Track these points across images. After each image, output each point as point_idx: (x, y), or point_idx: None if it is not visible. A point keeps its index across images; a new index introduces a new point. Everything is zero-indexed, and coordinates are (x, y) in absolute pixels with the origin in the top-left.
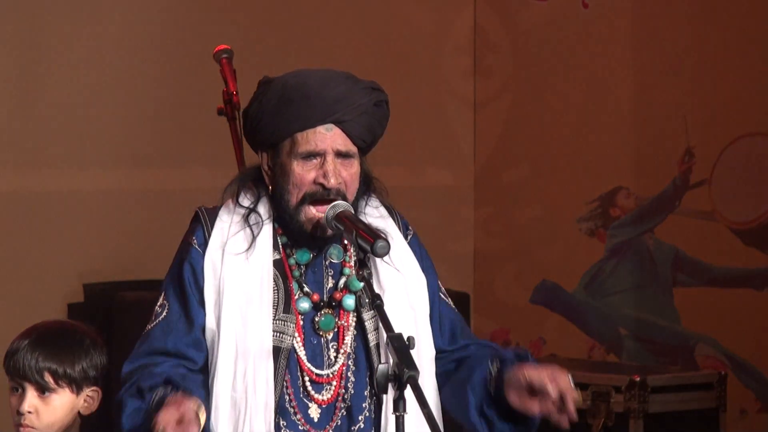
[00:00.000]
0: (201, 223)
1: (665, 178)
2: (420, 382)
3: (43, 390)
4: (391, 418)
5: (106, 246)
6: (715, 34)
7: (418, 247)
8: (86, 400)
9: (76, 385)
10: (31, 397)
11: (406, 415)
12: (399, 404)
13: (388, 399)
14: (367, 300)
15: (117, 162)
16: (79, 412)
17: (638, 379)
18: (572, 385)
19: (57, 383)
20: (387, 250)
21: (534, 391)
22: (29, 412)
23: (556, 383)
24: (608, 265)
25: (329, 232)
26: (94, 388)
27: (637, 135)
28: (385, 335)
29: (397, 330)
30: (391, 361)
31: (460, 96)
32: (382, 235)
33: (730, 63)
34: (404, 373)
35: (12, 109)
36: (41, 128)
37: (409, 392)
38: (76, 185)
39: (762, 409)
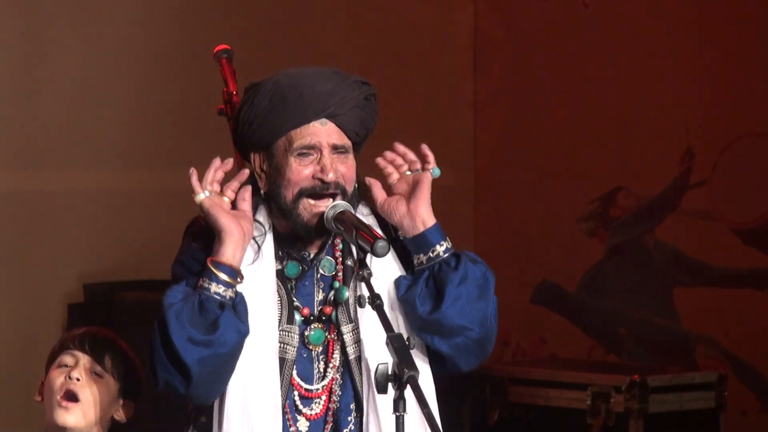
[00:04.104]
0: (203, 236)
1: (665, 178)
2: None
3: (96, 368)
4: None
5: (106, 246)
6: (716, 34)
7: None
8: (119, 409)
9: (123, 388)
10: (84, 368)
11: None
12: (399, 404)
13: (368, 412)
14: (367, 300)
15: (117, 162)
16: (113, 417)
17: (638, 379)
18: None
19: (111, 370)
20: (387, 251)
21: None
22: (78, 379)
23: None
24: (608, 265)
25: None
26: (131, 401)
27: (637, 135)
28: (365, 350)
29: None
30: (390, 361)
31: (459, 96)
32: (382, 236)
33: (730, 63)
34: (404, 373)
35: (12, 109)
36: (41, 128)
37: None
38: (76, 185)
39: (762, 410)
